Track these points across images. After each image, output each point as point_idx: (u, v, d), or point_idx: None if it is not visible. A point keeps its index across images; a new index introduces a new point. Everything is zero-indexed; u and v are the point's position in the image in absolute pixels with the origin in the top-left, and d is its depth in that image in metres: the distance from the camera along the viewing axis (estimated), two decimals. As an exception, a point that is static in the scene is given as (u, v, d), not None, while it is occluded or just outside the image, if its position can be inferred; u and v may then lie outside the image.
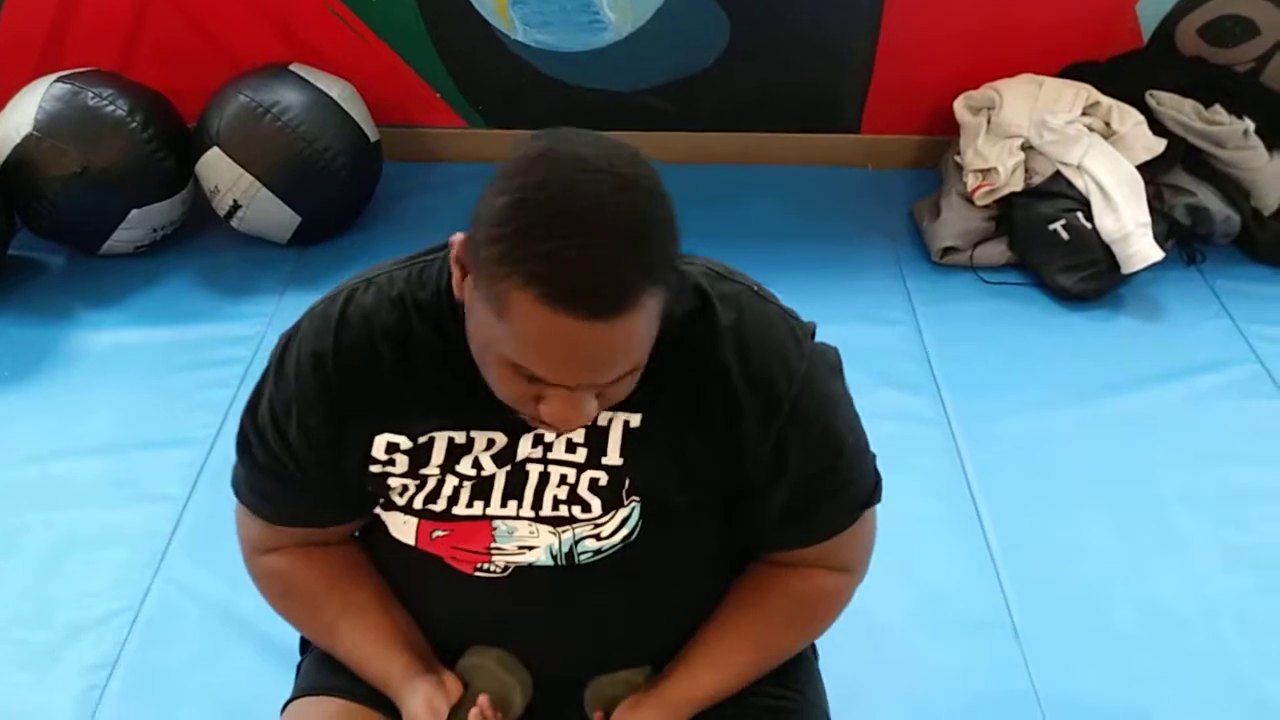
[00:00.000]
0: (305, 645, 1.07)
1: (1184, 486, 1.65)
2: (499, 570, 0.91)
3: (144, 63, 2.19)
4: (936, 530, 1.59)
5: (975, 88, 2.21)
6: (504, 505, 0.88)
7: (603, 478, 0.86)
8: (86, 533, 1.53)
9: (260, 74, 2.00)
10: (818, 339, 0.91)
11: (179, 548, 1.51)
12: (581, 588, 0.91)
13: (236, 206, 1.96)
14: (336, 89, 2.02)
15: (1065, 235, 1.97)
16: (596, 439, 0.86)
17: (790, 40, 2.23)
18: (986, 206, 2.07)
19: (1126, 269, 1.94)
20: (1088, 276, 1.97)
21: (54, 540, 1.53)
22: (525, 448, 0.85)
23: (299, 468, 0.88)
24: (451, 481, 0.87)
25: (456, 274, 0.76)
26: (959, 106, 2.19)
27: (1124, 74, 2.17)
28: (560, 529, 0.89)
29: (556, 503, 0.87)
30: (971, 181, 2.07)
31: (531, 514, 0.88)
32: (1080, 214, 1.96)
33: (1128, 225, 1.92)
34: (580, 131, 0.71)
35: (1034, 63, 2.21)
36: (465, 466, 0.86)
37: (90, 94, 1.89)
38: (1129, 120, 2.03)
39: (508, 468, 0.86)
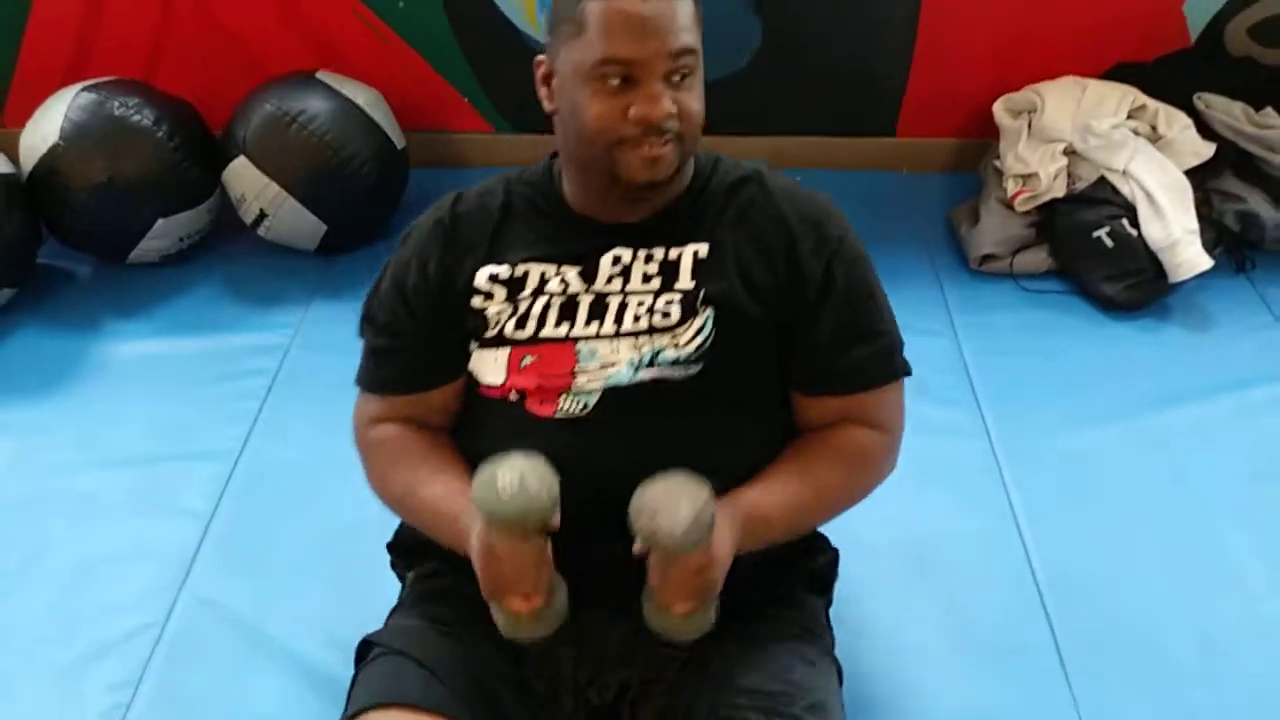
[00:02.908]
0: (362, 654, 1.06)
1: (1235, 506, 1.58)
2: (579, 409, 1.00)
3: (170, 70, 2.18)
4: (976, 550, 1.53)
5: (1015, 89, 2.15)
6: (587, 325, 1.01)
7: (677, 298, 1.01)
8: (111, 547, 1.52)
9: (286, 82, 1.98)
10: None
11: (204, 564, 1.49)
12: (656, 415, 1.00)
13: (263, 215, 1.94)
14: (363, 96, 1.99)
15: (1110, 243, 1.90)
16: (669, 270, 1.02)
17: (824, 42, 2.18)
18: (1027, 213, 2.01)
19: (1174, 278, 1.88)
20: (1133, 285, 1.91)
21: (79, 554, 1.51)
22: (606, 269, 1.02)
23: (411, 316, 1.06)
24: (541, 301, 1.02)
25: (543, 91, 1.00)
26: (999, 109, 2.13)
27: (1170, 75, 2.10)
28: (640, 341, 1.01)
29: (636, 319, 1.01)
30: (1012, 187, 2.02)
31: (613, 330, 1.01)
32: (1125, 221, 1.90)
33: (1175, 233, 1.86)
34: None
35: (1077, 63, 2.15)
36: (554, 285, 1.02)
37: (116, 103, 1.88)
38: (1176, 124, 1.97)
39: (591, 298, 1.02)
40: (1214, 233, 1.99)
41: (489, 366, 1.04)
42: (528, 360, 1.02)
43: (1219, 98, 2.03)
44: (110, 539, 1.53)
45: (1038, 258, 2.02)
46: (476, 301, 1.03)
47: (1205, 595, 1.45)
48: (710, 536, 0.89)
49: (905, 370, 1.09)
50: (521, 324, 1.02)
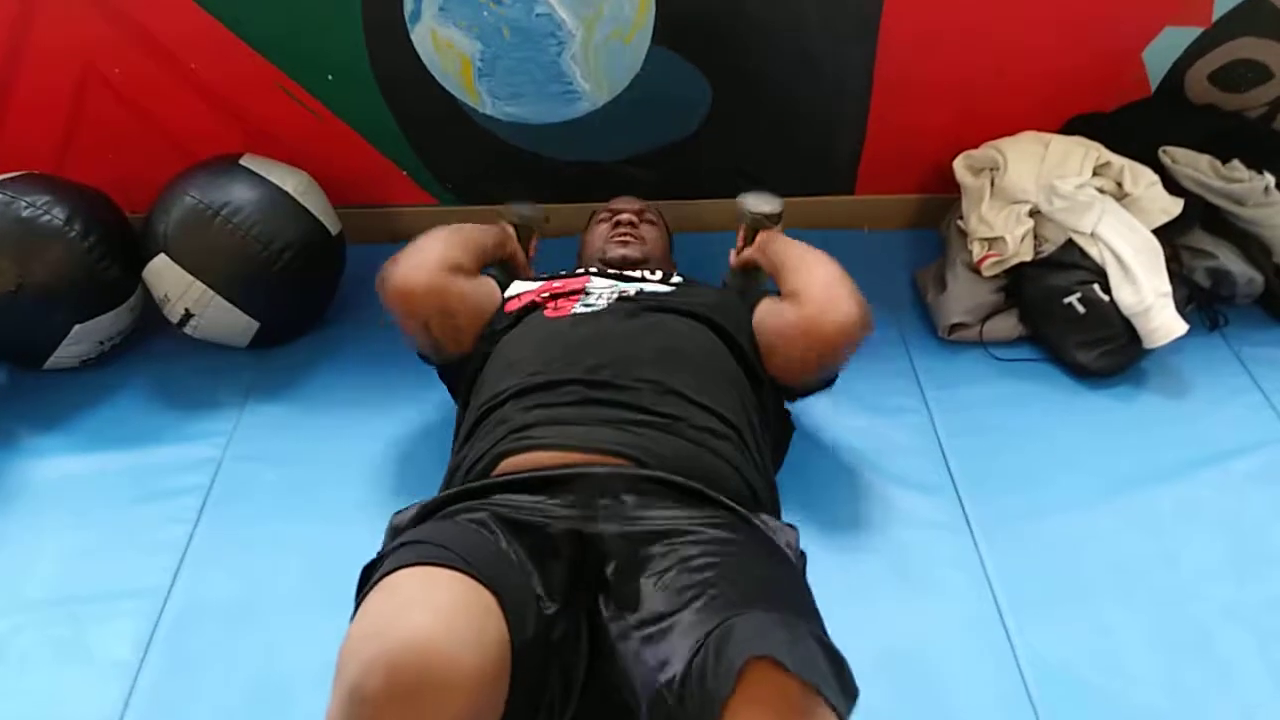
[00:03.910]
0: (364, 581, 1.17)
1: (1225, 595, 1.52)
2: (587, 311, 1.49)
3: (84, 156, 2.04)
4: (963, 655, 1.45)
5: (975, 144, 2.08)
6: (597, 276, 1.63)
7: (657, 276, 1.66)
8: (25, 711, 1.37)
9: (208, 170, 1.84)
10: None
11: (131, 726, 1.36)
12: (647, 311, 1.49)
13: (189, 315, 1.81)
14: (292, 182, 1.87)
15: (1081, 309, 1.83)
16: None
17: (776, 101, 2.09)
18: (995, 277, 1.94)
19: (1149, 344, 1.81)
20: (1107, 352, 1.84)
21: (-9, 723, 1.38)
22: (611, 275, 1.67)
23: None
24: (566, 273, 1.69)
25: (583, 250, 1.87)
26: (959, 167, 2.05)
27: (1132, 126, 2.04)
28: (632, 285, 1.58)
29: (630, 280, 1.62)
30: (978, 250, 1.94)
31: (615, 279, 1.61)
32: (1096, 286, 1.83)
33: (1148, 298, 1.79)
34: None
35: (1035, 115, 2.09)
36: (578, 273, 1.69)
37: (23, 203, 1.74)
38: (1142, 181, 1.90)
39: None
40: (1185, 290, 1.93)
41: (522, 288, 1.61)
42: (556, 284, 1.58)
43: (1184, 151, 1.97)
44: (24, 701, 1.39)
45: (1008, 324, 1.94)
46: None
47: (1201, 704, 1.38)
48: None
49: None
50: (555, 276, 1.65)
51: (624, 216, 1.78)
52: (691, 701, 0.95)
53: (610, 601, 1.15)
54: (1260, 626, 1.47)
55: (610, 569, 1.16)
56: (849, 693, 0.98)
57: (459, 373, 1.59)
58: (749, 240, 1.76)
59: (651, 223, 1.83)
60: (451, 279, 1.55)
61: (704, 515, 1.22)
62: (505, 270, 1.77)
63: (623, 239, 1.75)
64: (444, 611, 0.95)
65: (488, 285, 1.63)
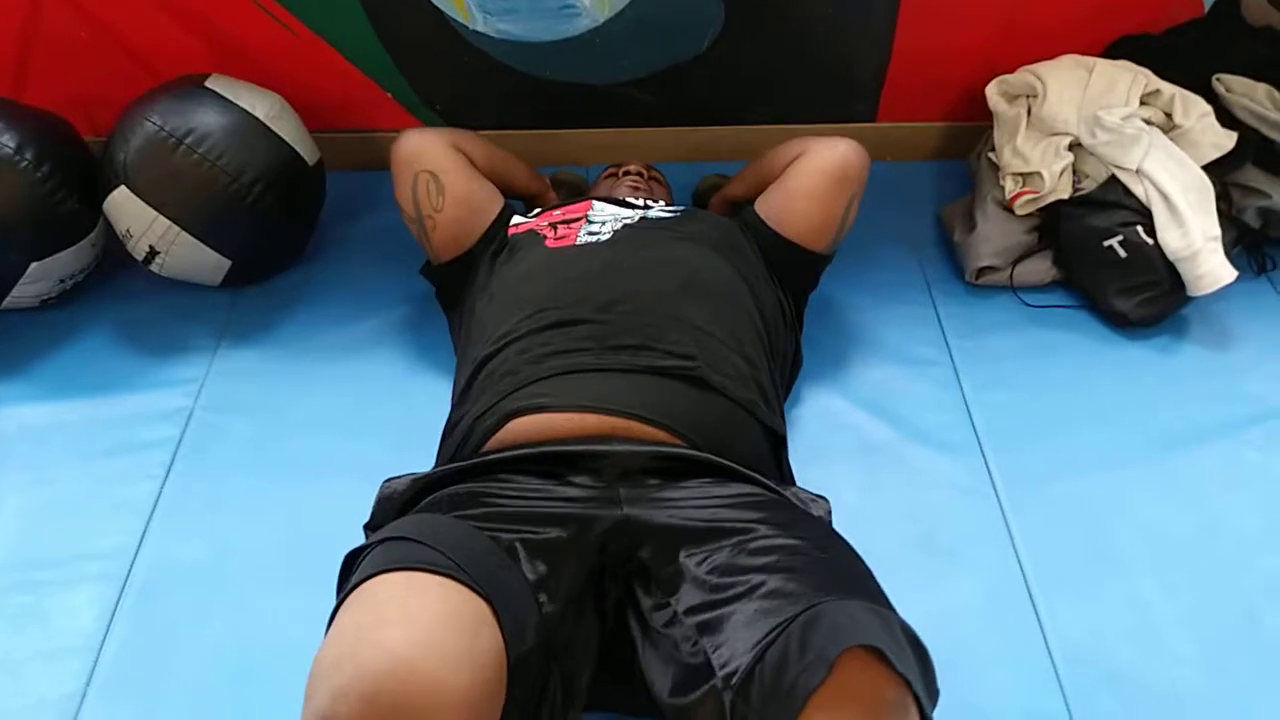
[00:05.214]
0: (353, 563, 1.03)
1: (1273, 568, 1.42)
2: (593, 241, 1.42)
3: (38, 75, 1.87)
4: (987, 632, 1.36)
5: (1010, 68, 1.91)
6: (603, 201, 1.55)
7: (662, 200, 1.68)
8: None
9: (172, 92, 1.67)
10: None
11: (92, 710, 1.26)
12: (656, 237, 1.43)
13: (154, 252, 1.66)
14: (264, 106, 1.70)
15: (1122, 252, 1.69)
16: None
17: (795, 19, 1.91)
18: (1028, 216, 1.79)
19: (1194, 291, 1.67)
20: (1148, 299, 1.70)
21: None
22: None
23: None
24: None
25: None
26: (992, 93, 1.89)
27: (1184, 50, 1.87)
28: (637, 210, 1.52)
29: (636, 205, 1.56)
30: (1011, 187, 1.79)
31: (620, 205, 1.54)
32: (1140, 228, 1.68)
33: (1196, 241, 1.64)
34: None
35: (1077, 36, 1.91)
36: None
37: (-32, 129, 1.58)
38: (1194, 112, 1.74)
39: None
40: (1234, 232, 1.78)
41: (522, 219, 1.54)
42: (556, 213, 1.51)
43: (1240, 79, 1.80)
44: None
45: (1040, 267, 1.80)
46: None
47: (1245, 692, 1.29)
48: None
49: None
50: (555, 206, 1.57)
51: (632, 168, 1.75)
52: (761, 694, 0.87)
53: (654, 587, 1.05)
54: (1308, 604, 1.37)
55: (645, 553, 1.06)
56: (932, 693, 0.90)
57: (455, 295, 1.56)
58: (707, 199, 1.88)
59: (658, 180, 1.79)
60: (456, 156, 1.56)
61: (734, 493, 1.12)
62: (529, 208, 1.68)
63: (633, 184, 1.71)
64: (427, 626, 0.84)
65: (489, 188, 1.59)
